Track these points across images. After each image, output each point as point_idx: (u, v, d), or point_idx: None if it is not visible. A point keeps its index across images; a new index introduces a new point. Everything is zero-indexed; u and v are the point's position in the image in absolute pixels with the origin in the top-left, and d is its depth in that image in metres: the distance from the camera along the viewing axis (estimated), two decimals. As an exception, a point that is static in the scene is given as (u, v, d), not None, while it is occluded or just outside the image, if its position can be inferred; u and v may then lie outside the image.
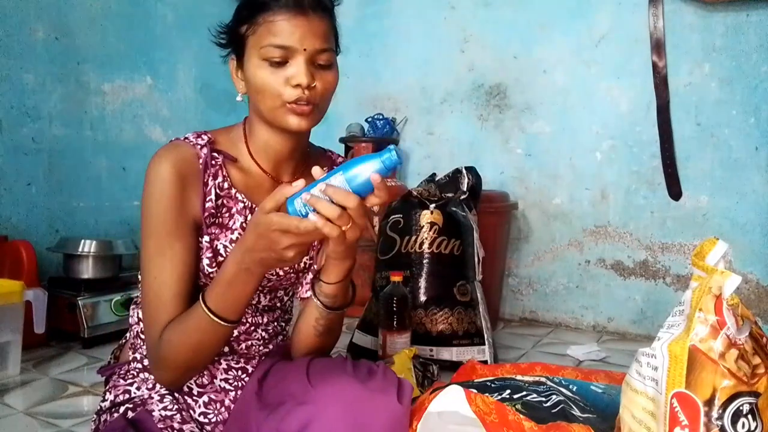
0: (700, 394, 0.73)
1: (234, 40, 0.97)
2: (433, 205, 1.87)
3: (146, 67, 2.41)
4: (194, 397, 1.02)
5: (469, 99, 2.54)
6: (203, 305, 0.88)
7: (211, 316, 0.88)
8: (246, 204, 1.00)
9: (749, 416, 0.73)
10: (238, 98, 1.00)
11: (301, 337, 1.04)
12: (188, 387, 1.02)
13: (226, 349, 1.03)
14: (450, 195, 1.93)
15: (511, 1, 2.43)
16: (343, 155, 1.15)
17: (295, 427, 0.82)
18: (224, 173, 0.99)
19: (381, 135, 2.58)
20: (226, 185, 0.99)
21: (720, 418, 0.72)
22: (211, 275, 0.98)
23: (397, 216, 1.90)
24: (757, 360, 0.75)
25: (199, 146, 0.98)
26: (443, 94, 2.59)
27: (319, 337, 1.02)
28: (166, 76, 2.49)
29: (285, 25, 0.90)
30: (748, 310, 0.79)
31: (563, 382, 1.17)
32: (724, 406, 0.72)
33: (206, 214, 0.96)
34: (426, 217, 1.85)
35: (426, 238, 1.84)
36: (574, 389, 1.15)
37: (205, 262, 0.97)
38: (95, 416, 1.03)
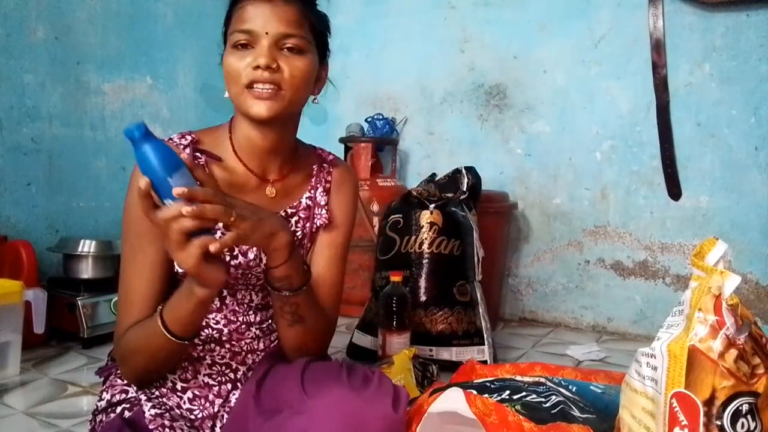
0: (699, 394, 0.73)
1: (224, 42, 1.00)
2: (432, 205, 1.87)
3: (146, 67, 2.41)
4: (178, 393, 1.02)
5: (469, 99, 2.54)
6: (159, 316, 0.89)
7: (163, 329, 0.88)
8: None
9: (748, 416, 0.73)
10: (226, 95, 0.99)
11: (281, 334, 1.03)
12: (172, 383, 1.02)
13: (213, 344, 1.03)
14: (450, 195, 1.93)
15: (511, 1, 2.43)
16: (338, 154, 1.14)
17: None
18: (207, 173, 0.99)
19: (381, 135, 2.57)
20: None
21: (719, 418, 0.72)
22: None
23: (396, 216, 1.90)
24: (756, 360, 0.75)
25: (182, 146, 0.98)
26: (443, 94, 2.59)
27: (294, 327, 1.00)
28: (166, 76, 2.49)
29: (250, 11, 0.93)
30: (747, 310, 0.78)
31: (563, 382, 1.17)
32: (724, 406, 0.73)
33: None
34: (426, 217, 1.85)
35: (426, 238, 1.84)
36: (574, 389, 1.14)
37: None
38: (92, 416, 1.04)
